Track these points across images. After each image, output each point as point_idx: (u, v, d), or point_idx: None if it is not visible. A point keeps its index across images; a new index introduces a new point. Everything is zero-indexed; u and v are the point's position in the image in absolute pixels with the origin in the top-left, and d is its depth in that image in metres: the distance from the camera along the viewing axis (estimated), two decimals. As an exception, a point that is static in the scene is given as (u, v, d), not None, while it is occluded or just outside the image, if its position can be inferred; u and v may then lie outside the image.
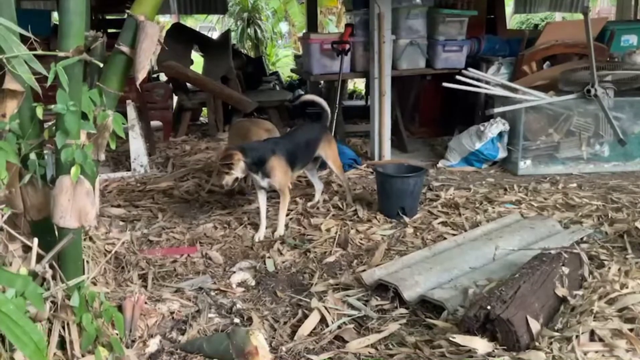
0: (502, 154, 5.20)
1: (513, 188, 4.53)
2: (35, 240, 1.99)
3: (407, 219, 3.83)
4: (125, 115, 4.90)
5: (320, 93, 7.70)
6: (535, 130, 5.18)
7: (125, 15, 2.22)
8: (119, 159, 5.57)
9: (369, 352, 2.33)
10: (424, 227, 3.75)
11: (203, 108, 7.76)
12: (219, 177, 3.70)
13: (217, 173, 3.81)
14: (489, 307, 2.24)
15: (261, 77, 9.12)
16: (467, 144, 5.21)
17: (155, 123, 6.54)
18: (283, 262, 3.31)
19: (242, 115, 6.47)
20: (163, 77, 8.09)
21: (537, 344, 2.17)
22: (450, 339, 2.23)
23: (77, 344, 2.06)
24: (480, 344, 2.18)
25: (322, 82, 7.17)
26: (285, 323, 2.63)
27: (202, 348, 2.32)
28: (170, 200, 4.47)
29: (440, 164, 5.36)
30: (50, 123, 2.09)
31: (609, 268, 2.74)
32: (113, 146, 2.23)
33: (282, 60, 14.69)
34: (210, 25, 16.09)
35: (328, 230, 3.74)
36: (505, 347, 2.17)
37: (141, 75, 2.17)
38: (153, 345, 2.35)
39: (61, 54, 1.88)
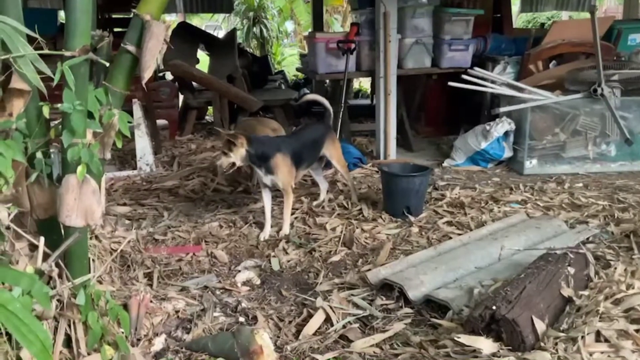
0: (507, 154, 5.18)
1: (519, 187, 4.52)
2: (42, 238, 2.00)
3: (412, 218, 3.83)
4: (131, 114, 4.91)
5: (326, 92, 7.69)
6: (541, 129, 5.16)
7: (132, 15, 2.23)
8: (125, 157, 5.59)
9: (374, 352, 2.33)
10: (429, 226, 3.75)
11: (209, 107, 7.77)
12: (217, 157, 3.67)
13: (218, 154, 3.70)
14: (494, 307, 2.23)
15: (267, 76, 9.13)
16: (472, 144, 5.20)
17: (161, 122, 6.56)
18: (288, 261, 3.32)
19: (247, 114, 6.47)
20: (169, 76, 8.11)
21: (542, 344, 2.16)
22: (455, 338, 2.23)
23: (83, 343, 2.07)
24: (485, 344, 2.18)
25: (327, 81, 7.16)
26: (290, 322, 2.63)
27: (207, 347, 2.33)
28: (175, 199, 4.48)
29: (445, 163, 5.35)
30: (56, 122, 2.10)
31: (615, 268, 2.72)
32: (119, 145, 2.23)
33: (288, 59, 14.69)
34: (216, 24, 16.11)
35: (333, 229, 3.74)
36: (510, 348, 2.17)
37: (147, 74, 2.17)
38: (158, 343, 2.36)
39: (67, 54, 1.89)
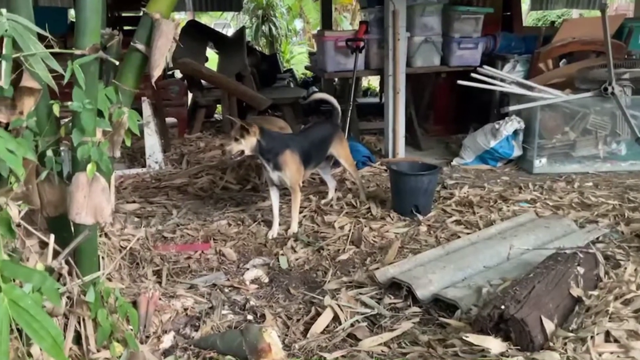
0: (517, 152, 5.16)
1: (528, 187, 4.50)
2: (52, 236, 2.02)
3: (420, 217, 3.82)
4: (140, 112, 4.95)
5: (335, 90, 7.69)
6: (551, 128, 5.13)
7: (141, 13, 2.24)
8: (134, 155, 5.61)
9: (382, 351, 2.33)
10: (437, 225, 3.74)
11: (217, 105, 7.79)
12: (227, 141, 3.67)
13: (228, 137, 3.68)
14: (502, 307, 2.22)
15: (275, 75, 9.13)
16: (481, 142, 5.18)
17: (170, 120, 6.58)
18: (296, 260, 3.32)
19: (256, 113, 6.49)
20: (178, 74, 8.14)
21: (551, 344, 2.15)
22: (464, 338, 2.22)
23: (92, 339, 2.08)
24: (493, 344, 2.17)
25: (336, 79, 7.16)
26: (298, 320, 2.63)
27: (215, 344, 2.34)
28: (184, 197, 4.50)
29: (454, 162, 5.33)
30: (66, 120, 2.11)
31: (625, 268, 2.71)
32: (128, 143, 2.24)
33: (297, 58, 14.69)
34: (225, 23, 16.14)
35: (341, 227, 3.74)
36: (519, 347, 2.16)
37: (156, 72, 2.18)
38: (167, 341, 2.37)
39: (78, 52, 1.90)
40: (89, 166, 1.95)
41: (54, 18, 6.64)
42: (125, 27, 7.46)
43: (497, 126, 5.11)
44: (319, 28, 10.21)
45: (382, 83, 6.87)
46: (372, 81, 10.47)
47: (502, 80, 5.21)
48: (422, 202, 3.88)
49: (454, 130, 6.42)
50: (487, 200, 4.17)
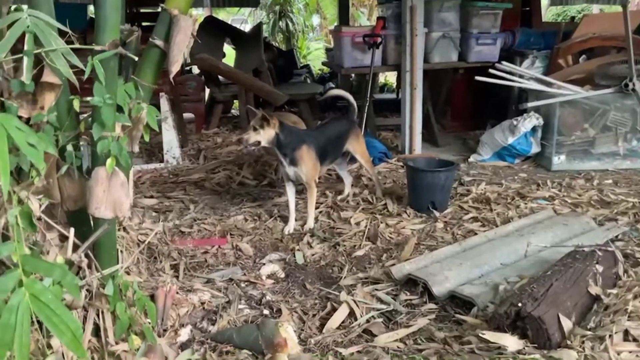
0: (535, 149, 5.11)
1: (546, 184, 4.46)
2: (72, 229, 2.05)
3: (437, 214, 3.81)
4: (158, 107, 4.98)
5: (351, 86, 7.69)
6: (570, 125, 5.07)
7: (159, 9, 2.25)
8: (152, 150, 5.66)
9: (398, 347, 2.33)
10: (454, 222, 3.72)
11: (235, 101, 7.82)
12: (245, 131, 3.69)
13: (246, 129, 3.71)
14: (520, 304, 2.21)
15: (292, 70, 9.14)
16: (499, 139, 5.14)
17: (187, 115, 6.62)
18: (312, 255, 3.33)
19: (273, 108, 6.50)
20: (195, 69, 8.18)
21: (569, 342, 2.13)
22: (480, 335, 2.22)
23: (111, 332, 2.11)
24: (510, 341, 2.16)
25: (353, 75, 7.14)
26: (314, 316, 2.64)
27: (232, 338, 2.35)
28: (201, 192, 4.53)
29: (471, 159, 5.30)
30: (85, 115, 2.14)
31: (645, 267, 2.68)
32: (147, 138, 2.26)
33: (313, 53, 14.67)
34: (242, 18, 16.16)
35: (357, 223, 3.74)
36: (536, 345, 2.15)
37: (175, 68, 2.20)
38: (184, 334, 2.39)
39: (98, 48, 1.92)
40: (109, 161, 1.97)
41: (74, 14, 6.71)
42: (144, 23, 7.52)
43: (515, 122, 5.07)
44: (336, 24, 10.19)
45: (399, 79, 6.85)
46: (389, 77, 10.42)
47: (520, 76, 5.17)
48: (438, 198, 3.87)
49: (472, 127, 6.37)
50: (504, 197, 4.14)
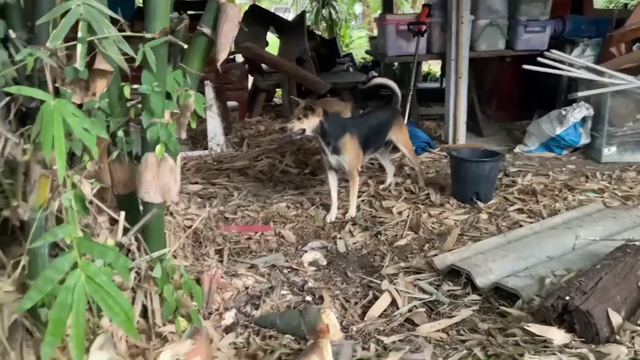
0: (584, 140, 4.96)
1: (595, 176, 4.33)
2: (122, 213, 2.10)
3: (481, 205, 3.75)
4: (203, 95, 5.04)
5: (394, 75, 7.61)
6: (622, 115, 4.89)
7: (207, -2, 2.28)
8: (197, 138, 5.75)
9: (440, 337, 2.32)
10: (498, 213, 3.66)
11: (277, 89, 7.85)
12: (289, 120, 3.70)
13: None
14: (567, 298, 2.17)
15: (335, 59, 9.10)
16: (547, 129, 5.01)
17: (230, 103, 6.69)
18: (354, 244, 3.33)
19: (315, 97, 6.50)
20: (238, 58, 8.24)
21: (617, 337, 2.08)
22: (525, 327, 2.18)
23: (158, 314, 2.16)
24: (557, 335, 2.12)
25: (396, 64, 7.07)
26: (355, 303, 2.65)
27: (275, 323, 2.39)
28: (245, 179, 4.58)
29: (517, 149, 5.18)
30: (134, 102, 2.18)
31: (701, 263, 2.57)
32: (194, 125, 2.30)
33: (356, 42, 14.58)
34: (285, 7, 16.19)
35: (400, 213, 3.72)
36: (583, 339, 2.10)
37: (222, 56, 2.22)
38: (229, 318, 2.43)
39: (148, 36, 1.96)
40: (158, 147, 2.01)
41: (122, 3, 6.83)
42: (190, 12, 7.59)
43: (564, 113, 4.93)
44: (379, 12, 10.09)
45: (443, 67, 6.74)
46: (432, 66, 10.28)
47: (570, 65, 5.01)
48: (483, 189, 3.81)
49: (518, 117, 6.22)
50: (551, 189, 4.04)
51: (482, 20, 5.47)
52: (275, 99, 8.25)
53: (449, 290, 2.70)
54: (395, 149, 4.27)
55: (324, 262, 3.12)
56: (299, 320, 2.32)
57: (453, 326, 2.40)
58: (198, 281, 2.49)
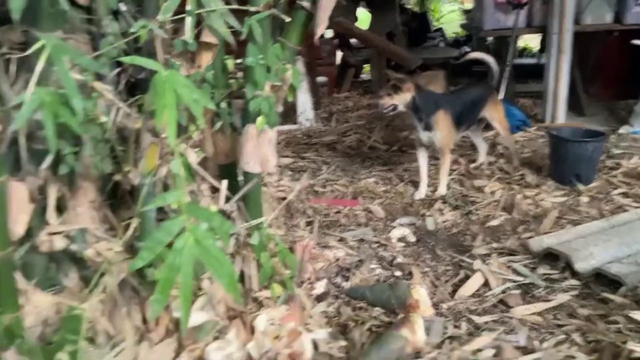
0: (698, 122, 4.58)
1: None
2: (224, 181, 2.19)
3: (581, 187, 3.57)
4: (296, 69, 5.10)
5: (488, 50, 7.30)
6: None
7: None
8: (287, 112, 5.80)
9: (535, 320, 2.25)
10: (601, 196, 3.47)
11: (365, 65, 7.80)
12: (379, 95, 3.68)
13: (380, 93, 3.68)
14: (678, 288, 2.04)
15: (425, 34, 8.90)
16: (656, 109, 4.67)
17: (320, 78, 6.73)
18: (443, 222, 3.29)
19: (405, 73, 6.39)
20: (327, 33, 8.24)
21: None
22: (630, 315, 2.08)
23: (255, 279, 2.25)
24: (663, 324, 2.00)
25: (490, 38, 6.78)
26: (446, 281, 2.62)
27: (365, 295, 2.41)
28: (333, 154, 4.62)
29: (622, 130, 4.86)
30: (233, 75, 2.24)
31: None
32: (290, 99, 2.34)
33: (447, 17, 14.12)
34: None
35: (492, 193, 3.62)
36: (692, 331, 1.98)
37: (320, 30, 2.24)
38: (320, 287, 2.49)
39: (253, 9, 2.00)
40: (259, 119, 2.07)
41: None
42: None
43: (676, 91, 4.57)
44: (474, -16, 9.71)
45: (543, 42, 6.42)
46: (527, 41, 9.81)
47: (687, 39, 4.62)
48: (584, 171, 3.62)
49: (623, 95, 5.80)
50: (659, 172, 3.78)
51: (589, -9, 5.13)
52: (362, 75, 8.20)
53: (544, 274, 2.61)
54: (488, 127, 4.13)
55: (413, 239, 3.10)
56: (389, 294, 2.34)
57: (550, 310, 2.32)
58: (291, 250, 2.56)
